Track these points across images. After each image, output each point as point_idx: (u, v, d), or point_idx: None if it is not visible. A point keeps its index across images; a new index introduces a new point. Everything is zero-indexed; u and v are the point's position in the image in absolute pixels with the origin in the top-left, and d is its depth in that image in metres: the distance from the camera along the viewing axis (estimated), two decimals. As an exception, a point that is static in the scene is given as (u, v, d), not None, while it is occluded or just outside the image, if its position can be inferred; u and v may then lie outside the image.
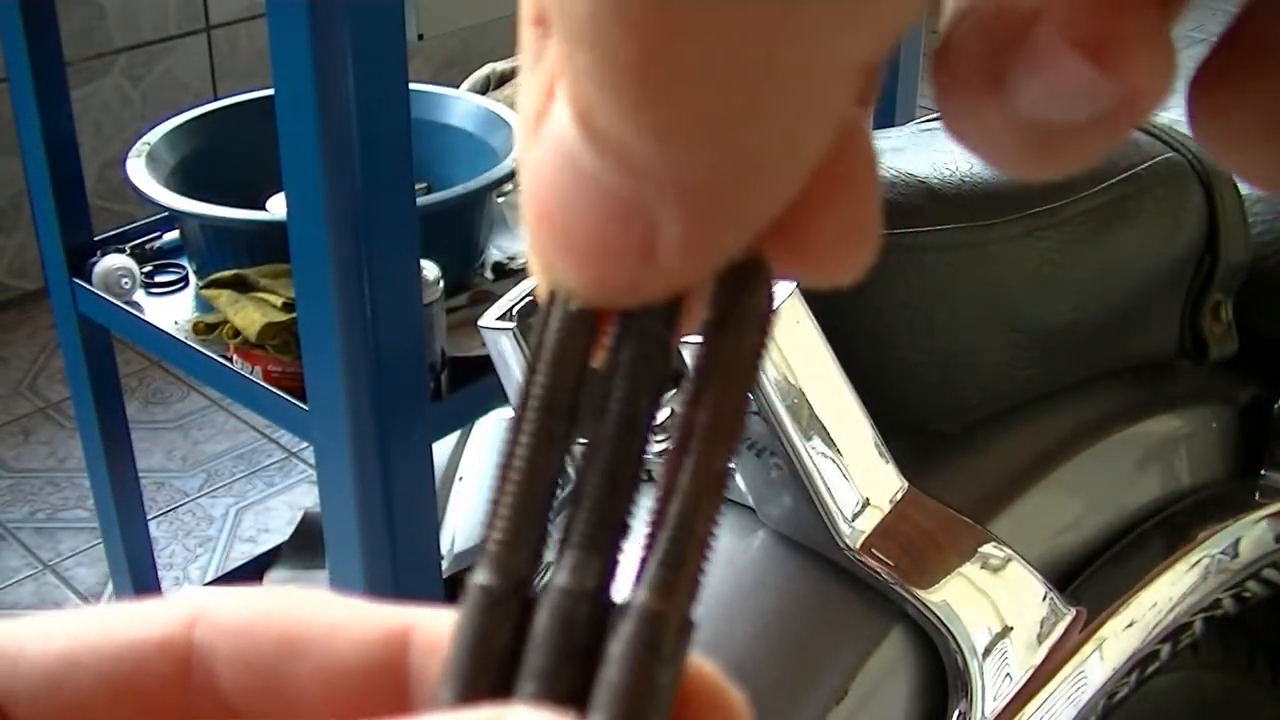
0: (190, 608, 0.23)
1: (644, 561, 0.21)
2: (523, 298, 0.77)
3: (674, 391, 0.22)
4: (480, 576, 0.22)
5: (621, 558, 0.22)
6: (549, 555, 0.22)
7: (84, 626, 0.23)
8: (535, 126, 0.20)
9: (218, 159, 1.57)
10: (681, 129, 0.18)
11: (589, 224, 0.19)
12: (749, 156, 0.18)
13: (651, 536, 0.21)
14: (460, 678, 0.21)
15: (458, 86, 1.74)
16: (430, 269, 1.29)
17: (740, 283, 0.21)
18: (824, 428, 0.76)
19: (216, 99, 1.69)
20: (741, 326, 0.21)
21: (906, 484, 0.80)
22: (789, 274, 0.21)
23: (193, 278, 1.52)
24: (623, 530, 0.22)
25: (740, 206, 0.19)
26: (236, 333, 1.36)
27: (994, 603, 0.82)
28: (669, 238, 0.19)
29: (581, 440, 0.22)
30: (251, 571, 1.90)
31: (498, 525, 0.22)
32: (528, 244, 0.21)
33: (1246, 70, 0.20)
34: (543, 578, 0.22)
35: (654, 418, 0.22)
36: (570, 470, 0.23)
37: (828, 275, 0.21)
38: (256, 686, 0.22)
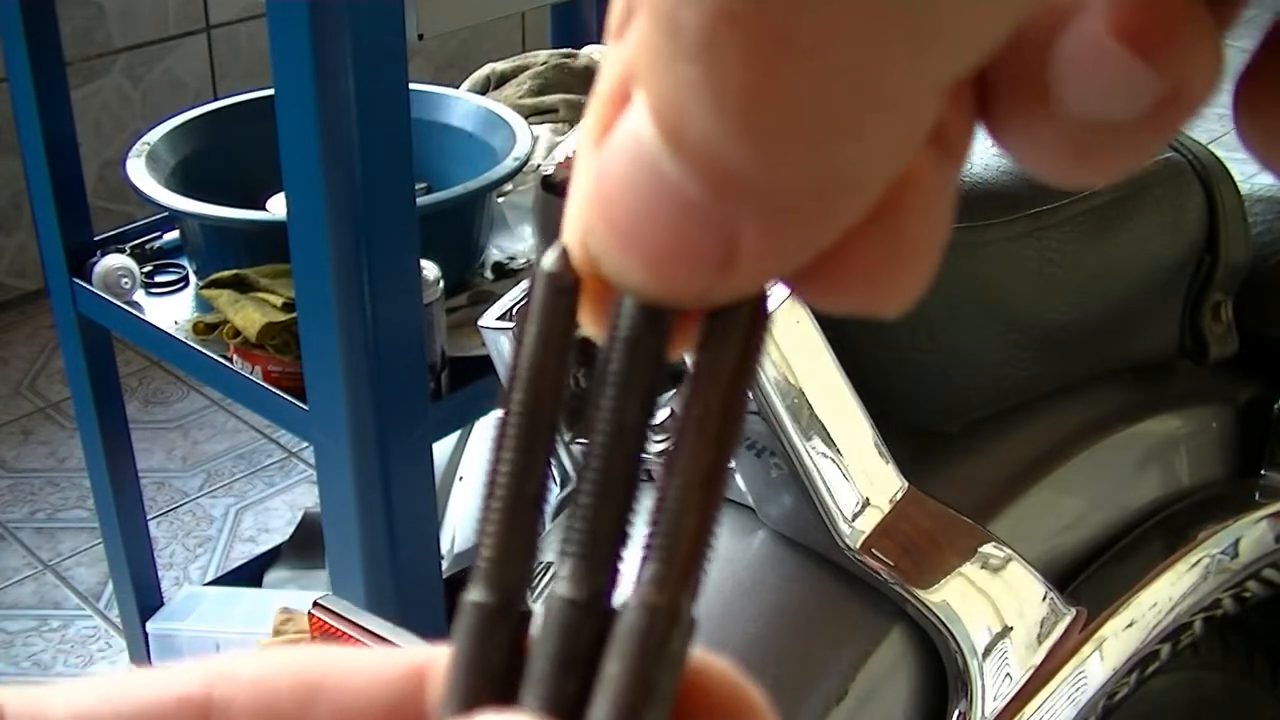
0: (211, 668, 0.23)
1: (641, 561, 0.21)
2: (523, 298, 0.77)
3: (673, 392, 0.22)
4: (473, 594, 0.22)
5: (621, 565, 0.22)
6: (547, 561, 0.22)
7: (107, 689, 0.23)
8: (599, 140, 0.20)
9: (218, 159, 1.57)
10: (784, 143, 0.18)
11: (667, 230, 0.19)
12: (845, 171, 0.18)
13: (648, 535, 0.21)
14: (460, 695, 0.21)
15: (458, 86, 1.74)
16: (430, 269, 1.29)
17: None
18: (824, 428, 0.76)
19: (216, 99, 1.69)
20: (734, 327, 0.21)
21: (906, 484, 0.80)
22: (826, 302, 0.21)
23: (193, 278, 1.52)
24: (620, 537, 0.22)
25: (825, 219, 0.19)
26: (236, 333, 1.36)
27: (994, 603, 0.82)
28: (749, 247, 0.19)
29: (578, 442, 0.22)
30: (251, 571, 1.90)
31: (486, 541, 0.22)
32: (581, 240, 0.21)
33: None
34: (537, 588, 0.22)
35: (646, 424, 0.22)
36: (561, 475, 0.23)
37: (867, 304, 0.21)
38: None
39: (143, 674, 0.23)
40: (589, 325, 0.22)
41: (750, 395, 0.73)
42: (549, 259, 0.22)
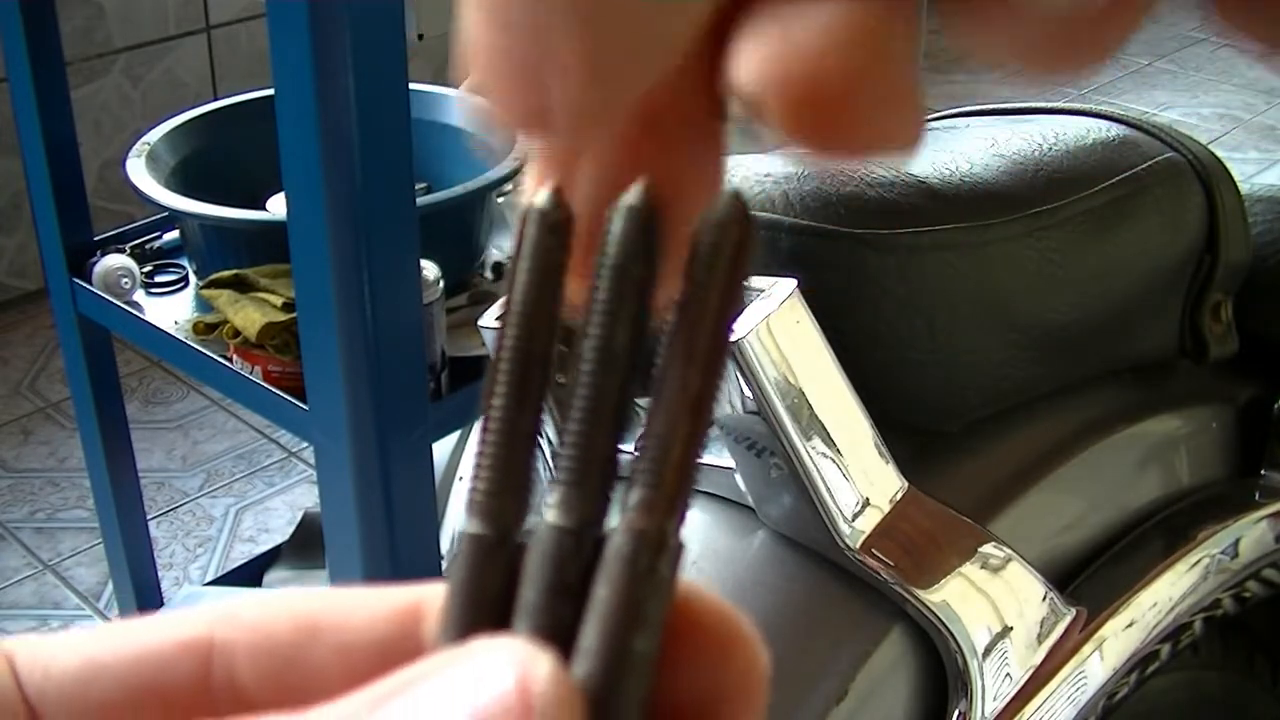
0: (212, 612, 0.24)
1: (629, 486, 0.21)
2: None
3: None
4: (469, 526, 0.22)
5: (611, 492, 0.22)
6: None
7: (111, 634, 0.23)
8: None
9: (218, 159, 1.57)
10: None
11: (502, 48, 0.21)
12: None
13: (635, 461, 0.21)
14: (456, 624, 0.22)
15: (458, 86, 1.74)
16: (430, 269, 1.29)
17: (717, 218, 0.22)
18: (824, 428, 0.76)
19: (216, 99, 1.69)
20: (720, 252, 0.22)
21: (906, 484, 0.80)
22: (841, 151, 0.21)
23: (193, 278, 1.52)
24: (610, 464, 0.22)
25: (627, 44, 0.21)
26: (236, 333, 1.36)
27: (994, 603, 0.82)
28: (567, 57, 0.20)
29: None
30: (251, 571, 1.90)
31: (481, 475, 0.22)
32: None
33: None
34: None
35: (635, 351, 0.22)
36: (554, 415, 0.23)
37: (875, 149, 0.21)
38: (276, 673, 0.23)
39: (147, 620, 0.24)
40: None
41: (746, 394, 0.73)
42: (541, 196, 0.23)
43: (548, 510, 0.22)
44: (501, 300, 0.23)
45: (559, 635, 0.21)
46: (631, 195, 0.22)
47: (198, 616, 0.24)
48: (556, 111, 0.21)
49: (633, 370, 0.22)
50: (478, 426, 0.22)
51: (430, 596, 0.23)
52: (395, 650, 0.23)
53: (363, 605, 0.23)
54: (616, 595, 0.21)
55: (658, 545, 0.21)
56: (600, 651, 0.20)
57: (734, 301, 0.22)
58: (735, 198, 0.22)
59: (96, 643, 0.23)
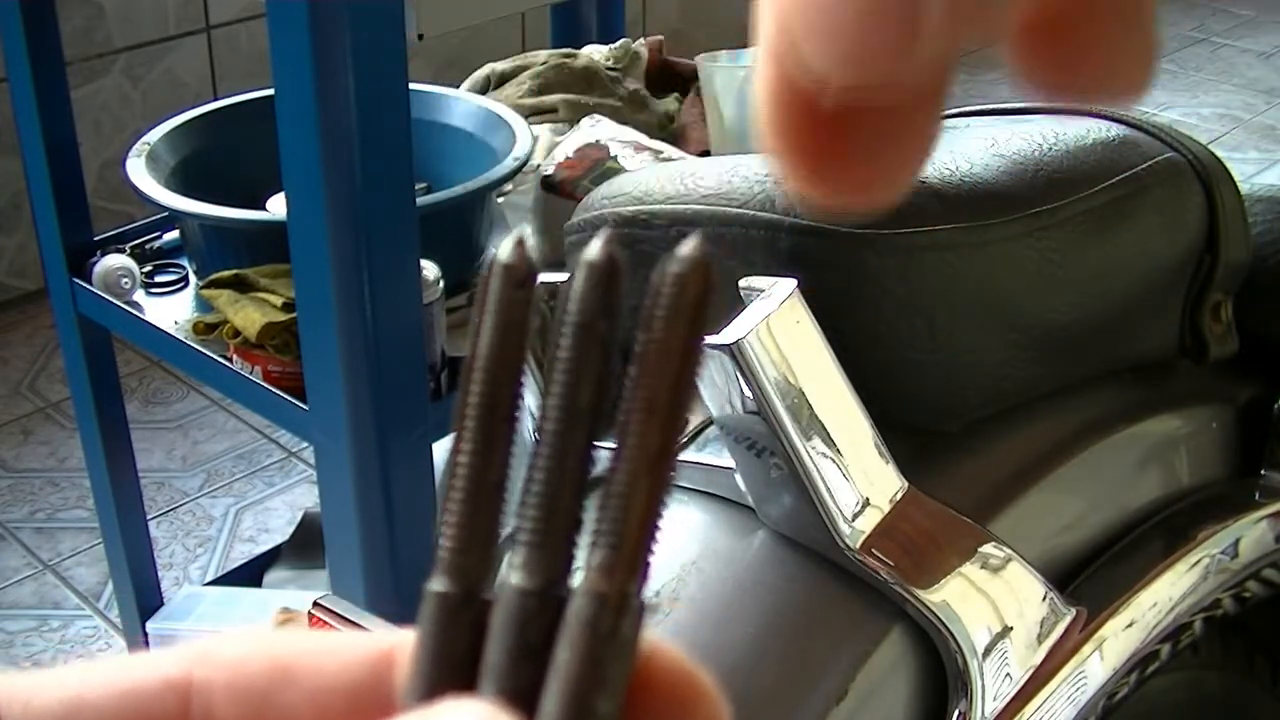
0: (193, 651, 0.24)
1: (590, 546, 0.21)
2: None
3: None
4: (435, 583, 0.22)
5: (575, 550, 0.22)
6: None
7: (92, 673, 0.24)
8: None
9: (218, 159, 1.57)
10: None
11: (853, 8, 0.19)
12: None
13: (596, 520, 0.21)
14: (423, 681, 0.22)
15: (458, 86, 1.74)
16: (430, 269, 1.29)
17: (676, 271, 0.22)
18: (824, 428, 0.76)
19: (216, 99, 1.69)
20: (674, 311, 0.21)
21: (906, 484, 0.80)
22: (1073, 89, 0.21)
23: (193, 278, 1.52)
24: (574, 524, 0.22)
25: None
26: (236, 333, 1.36)
27: (994, 603, 0.82)
28: (932, 14, 0.19)
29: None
30: (251, 571, 1.90)
31: (447, 531, 0.22)
32: (778, 35, 0.21)
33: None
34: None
35: (598, 408, 0.22)
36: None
37: (1110, 90, 0.21)
38: (253, 713, 0.23)
39: (128, 658, 0.24)
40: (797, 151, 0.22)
41: (746, 394, 0.73)
42: (505, 250, 0.22)
43: (511, 571, 0.22)
44: (466, 353, 0.23)
45: (523, 697, 0.21)
46: (592, 251, 0.22)
47: (177, 655, 0.24)
48: (905, 68, 0.20)
49: (596, 427, 0.22)
50: (444, 481, 0.22)
51: (402, 644, 0.23)
52: (367, 697, 0.23)
53: (337, 650, 0.24)
54: (578, 659, 0.21)
55: (619, 607, 0.21)
56: (562, 715, 0.20)
57: (694, 356, 0.22)
58: (695, 249, 0.22)
59: (78, 680, 0.23)
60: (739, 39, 0.93)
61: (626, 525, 0.21)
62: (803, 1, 0.20)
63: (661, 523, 0.22)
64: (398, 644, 0.23)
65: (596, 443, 0.22)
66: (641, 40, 1.86)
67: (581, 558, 0.22)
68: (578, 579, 0.21)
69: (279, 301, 1.35)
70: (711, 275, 0.21)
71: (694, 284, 0.21)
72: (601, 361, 0.22)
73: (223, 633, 0.25)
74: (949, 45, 0.20)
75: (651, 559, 0.21)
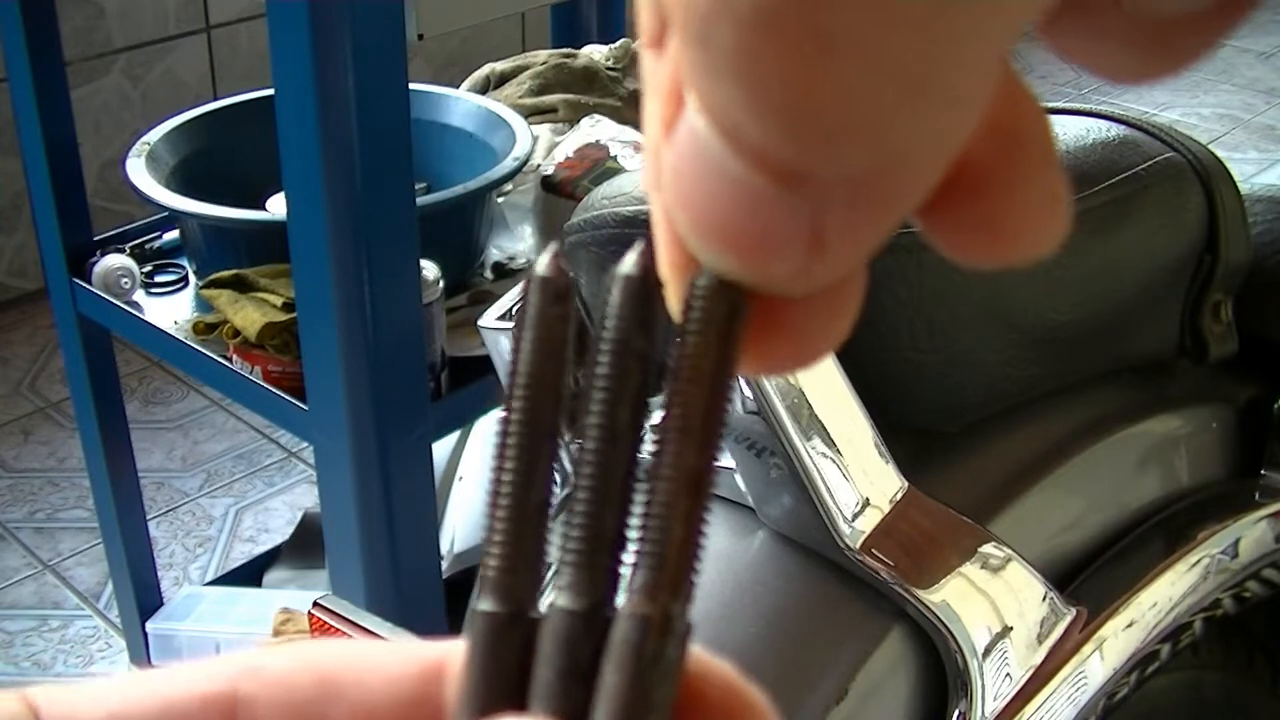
0: (237, 664, 0.24)
1: (632, 569, 0.21)
2: (518, 302, 0.77)
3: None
4: (483, 603, 0.22)
5: (621, 569, 0.22)
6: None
7: (135, 687, 0.23)
8: (665, 135, 0.20)
9: (218, 159, 1.57)
10: (839, 139, 0.18)
11: (748, 221, 0.19)
12: (909, 150, 0.19)
13: (637, 542, 0.21)
14: (475, 701, 0.22)
15: (458, 86, 1.74)
16: (430, 269, 1.29)
17: (707, 284, 0.21)
18: (824, 428, 0.76)
19: (216, 99, 1.69)
20: (708, 328, 0.21)
21: (906, 484, 0.80)
22: (987, 256, 0.21)
23: (193, 278, 1.52)
24: (619, 541, 0.22)
25: (903, 195, 0.19)
26: (236, 333, 1.36)
27: (994, 603, 0.82)
28: (835, 229, 0.19)
29: (577, 442, 0.22)
30: (251, 571, 1.90)
31: (493, 551, 0.22)
32: (678, 237, 0.21)
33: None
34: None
35: (638, 429, 0.22)
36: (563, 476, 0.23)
37: (1024, 250, 0.21)
38: None
39: (170, 671, 0.24)
40: (672, 298, 0.22)
41: (746, 394, 0.73)
42: (542, 263, 0.22)
43: (557, 593, 0.22)
44: (508, 368, 0.22)
45: (573, 716, 0.21)
46: (627, 264, 0.22)
47: (220, 669, 0.23)
48: (815, 272, 0.20)
49: (637, 444, 0.22)
50: (487, 501, 0.22)
51: (452, 655, 0.23)
52: (414, 711, 0.23)
53: (383, 663, 0.23)
54: (624, 682, 0.21)
55: (663, 629, 0.21)
56: None
57: (729, 372, 0.21)
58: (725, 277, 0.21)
59: (120, 694, 0.23)
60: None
61: (667, 545, 0.21)
62: (686, 193, 0.19)
63: (703, 540, 0.21)
64: (446, 656, 0.23)
65: (637, 461, 0.22)
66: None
67: (627, 576, 0.22)
68: (622, 599, 0.21)
69: (279, 301, 1.35)
70: (743, 288, 0.21)
71: (726, 297, 0.21)
72: (640, 379, 0.22)
73: (268, 645, 0.24)
74: (857, 251, 0.20)
75: (695, 579, 0.21)
